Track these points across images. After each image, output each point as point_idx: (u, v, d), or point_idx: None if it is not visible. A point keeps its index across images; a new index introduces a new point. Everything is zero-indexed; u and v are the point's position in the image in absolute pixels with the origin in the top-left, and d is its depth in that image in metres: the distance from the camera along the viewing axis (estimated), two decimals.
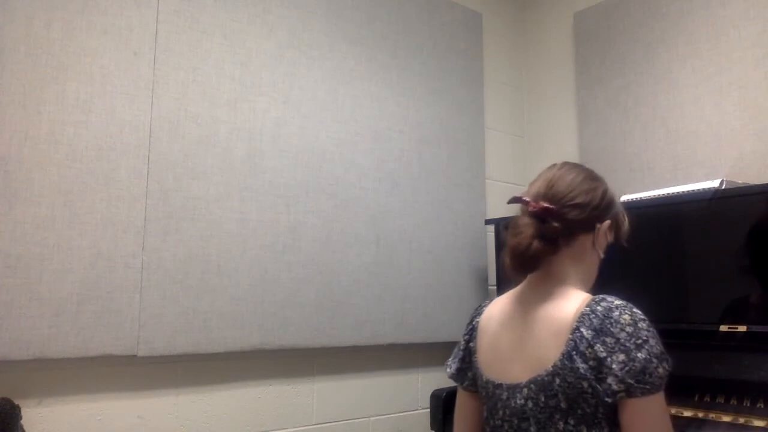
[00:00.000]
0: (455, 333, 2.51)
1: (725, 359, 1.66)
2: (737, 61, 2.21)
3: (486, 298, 2.63)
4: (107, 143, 1.80)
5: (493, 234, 2.52)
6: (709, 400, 1.65)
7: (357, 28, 2.38)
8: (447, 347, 2.53)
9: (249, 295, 2.00)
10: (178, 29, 1.96)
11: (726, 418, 1.60)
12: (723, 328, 1.69)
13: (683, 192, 1.92)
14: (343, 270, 2.23)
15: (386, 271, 2.34)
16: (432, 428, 2.23)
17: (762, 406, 1.57)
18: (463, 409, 1.38)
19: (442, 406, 2.18)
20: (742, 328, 1.66)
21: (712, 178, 1.95)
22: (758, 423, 1.54)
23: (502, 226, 2.47)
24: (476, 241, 2.64)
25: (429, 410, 2.25)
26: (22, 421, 1.59)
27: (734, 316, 1.71)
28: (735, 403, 1.62)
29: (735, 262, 1.76)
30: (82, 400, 1.75)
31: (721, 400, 1.64)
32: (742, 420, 1.57)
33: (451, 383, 2.37)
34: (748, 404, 1.60)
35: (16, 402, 1.58)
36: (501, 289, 2.43)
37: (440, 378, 2.49)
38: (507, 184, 2.87)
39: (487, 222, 2.63)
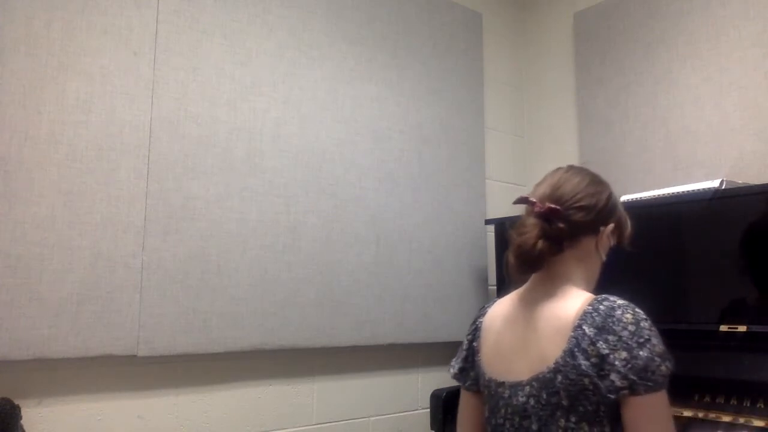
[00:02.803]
0: (455, 333, 2.52)
1: (725, 359, 1.66)
2: (737, 61, 2.21)
3: (486, 298, 2.63)
4: (107, 143, 1.80)
5: (493, 234, 2.52)
6: (709, 400, 1.65)
7: (357, 28, 2.38)
8: (447, 347, 2.54)
9: (249, 295, 2.00)
10: (178, 29, 1.96)
11: (726, 418, 1.59)
12: (723, 328, 1.69)
13: (683, 192, 1.92)
14: (343, 270, 2.23)
15: (386, 271, 2.34)
16: (432, 428, 2.23)
17: (762, 406, 1.57)
18: (466, 409, 1.39)
19: (442, 406, 2.18)
20: (742, 328, 1.66)
21: (712, 178, 1.95)
22: (758, 423, 1.54)
23: (506, 225, 2.47)
24: (476, 241, 2.64)
25: (429, 410, 2.25)
26: (22, 421, 1.59)
27: (734, 316, 1.71)
28: (735, 403, 1.62)
29: (735, 262, 1.76)
30: (82, 400, 1.75)
31: (721, 400, 1.64)
32: (742, 420, 1.57)
33: (452, 383, 2.38)
34: (748, 404, 1.60)
35: (16, 402, 1.58)
36: (501, 289, 2.43)
37: (440, 378, 2.49)
38: (507, 184, 2.87)
39: (487, 222, 2.63)
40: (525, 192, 1.27)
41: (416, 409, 2.44)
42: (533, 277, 1.26)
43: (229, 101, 2.03)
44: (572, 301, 1.16)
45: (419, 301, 2.42)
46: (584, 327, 1.10)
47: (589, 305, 1.13)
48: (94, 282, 1.73)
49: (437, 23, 2.65)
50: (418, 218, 2.46)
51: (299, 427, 2.15)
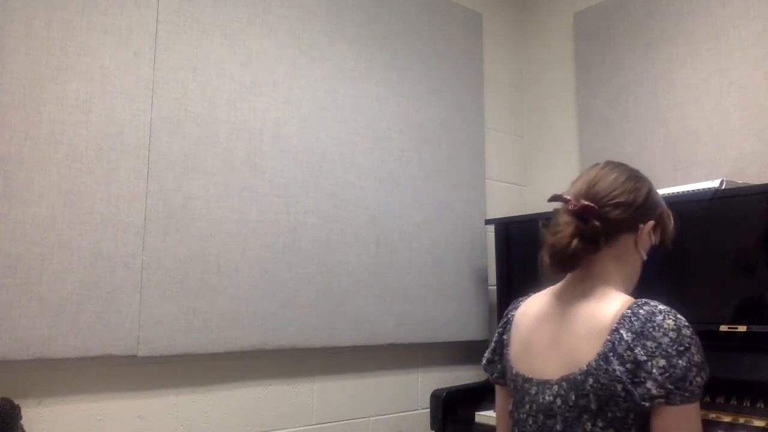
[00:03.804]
0: (455, 333, 2.52)
1: (725, 359, 1.66)
2: (737, 61, 2.21)
3: (486, 298, 2.63)
4: (107, 143, 1.80)
5: (493, 234, 2.51)
6: (709, 400, 1.65)
7: (357, 28, 2.38)
8: (447, 347, 2.55)
9: (249, 295, 2.00)
10: (178, 29, 1.96)
11: (726, 418, 1.59)
12: (723, 328, 1.69)
13: (683, 192, 1.92)
14: (343, 270, 2.23)
15: (386, 271, 2.34)
16: (432, 428, 2.22)
17: (762, 406, 1.57)
18: (501, 403, 1.36)
19: (442, 406, 2.18)
20: (742, 328, 1.66)
21: (712, 178, 1.95)
22: (758, 423, 1.55)
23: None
24: (476, 241, 2.64)
25: (429, 410, 2.25)
26: (22, 421, 1.59)
27: (734, 316, 1.71)
28: (735, 403, 1.62)
29: (735, 262, 1.76)
30: (82, 400, 1.75)
31: (721, 400, 1.64)
32: (742, 420, 1.57)
33: (452, 383, 2.39)
34: (748, 404, 1.60)
35: (16, 402, 1.58)
36: (501, 289, 2.43)
37: (440, 378, 2.49)
38: (507, 184, 2.87)
39: (487, 222, 2.63)
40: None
41: (416, 409, 2.44)
42: (569, 275, 1.22)
43: (229, 101, 2.03)
44: (610, 303, 1.13)
45: (419, 301, 2.42)
46: (621, 331, 1.07)
47: (628, 309, 1.09)
48: (94, 282, 1.73)
49: (437, 23, 2.65)
50: (418, 218, 2.46)
51: (299, 427, 2.15)
